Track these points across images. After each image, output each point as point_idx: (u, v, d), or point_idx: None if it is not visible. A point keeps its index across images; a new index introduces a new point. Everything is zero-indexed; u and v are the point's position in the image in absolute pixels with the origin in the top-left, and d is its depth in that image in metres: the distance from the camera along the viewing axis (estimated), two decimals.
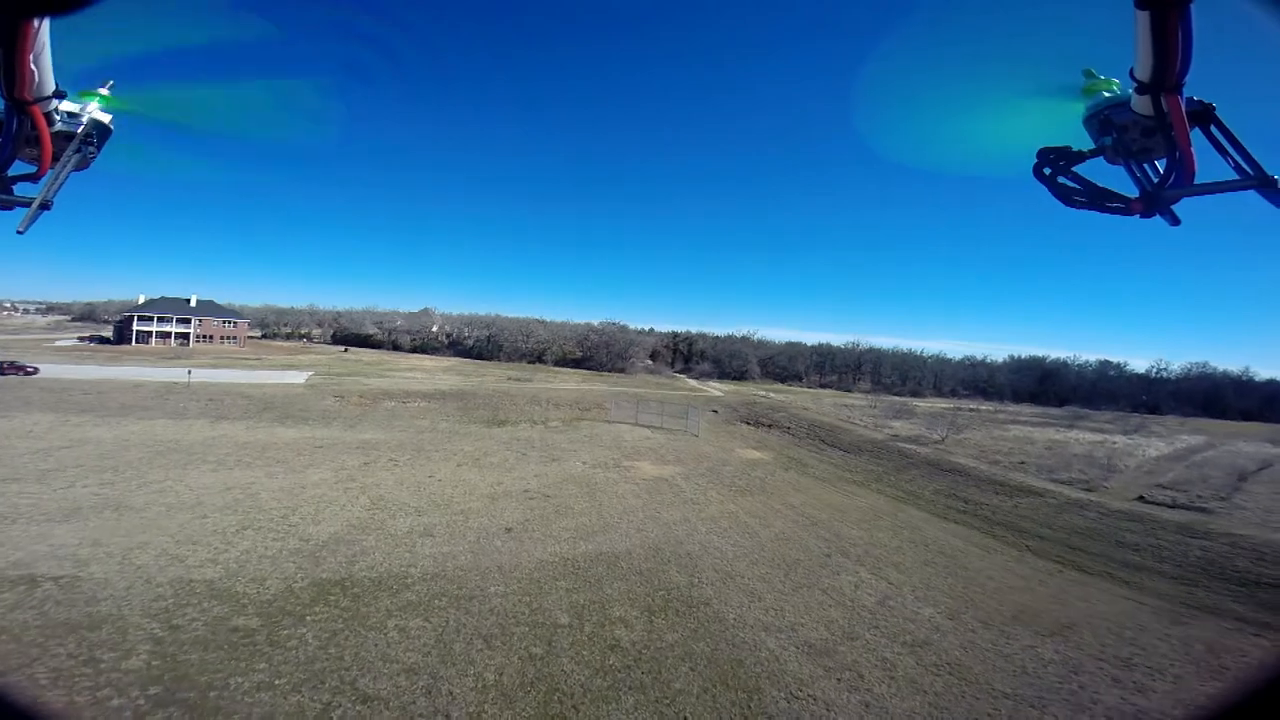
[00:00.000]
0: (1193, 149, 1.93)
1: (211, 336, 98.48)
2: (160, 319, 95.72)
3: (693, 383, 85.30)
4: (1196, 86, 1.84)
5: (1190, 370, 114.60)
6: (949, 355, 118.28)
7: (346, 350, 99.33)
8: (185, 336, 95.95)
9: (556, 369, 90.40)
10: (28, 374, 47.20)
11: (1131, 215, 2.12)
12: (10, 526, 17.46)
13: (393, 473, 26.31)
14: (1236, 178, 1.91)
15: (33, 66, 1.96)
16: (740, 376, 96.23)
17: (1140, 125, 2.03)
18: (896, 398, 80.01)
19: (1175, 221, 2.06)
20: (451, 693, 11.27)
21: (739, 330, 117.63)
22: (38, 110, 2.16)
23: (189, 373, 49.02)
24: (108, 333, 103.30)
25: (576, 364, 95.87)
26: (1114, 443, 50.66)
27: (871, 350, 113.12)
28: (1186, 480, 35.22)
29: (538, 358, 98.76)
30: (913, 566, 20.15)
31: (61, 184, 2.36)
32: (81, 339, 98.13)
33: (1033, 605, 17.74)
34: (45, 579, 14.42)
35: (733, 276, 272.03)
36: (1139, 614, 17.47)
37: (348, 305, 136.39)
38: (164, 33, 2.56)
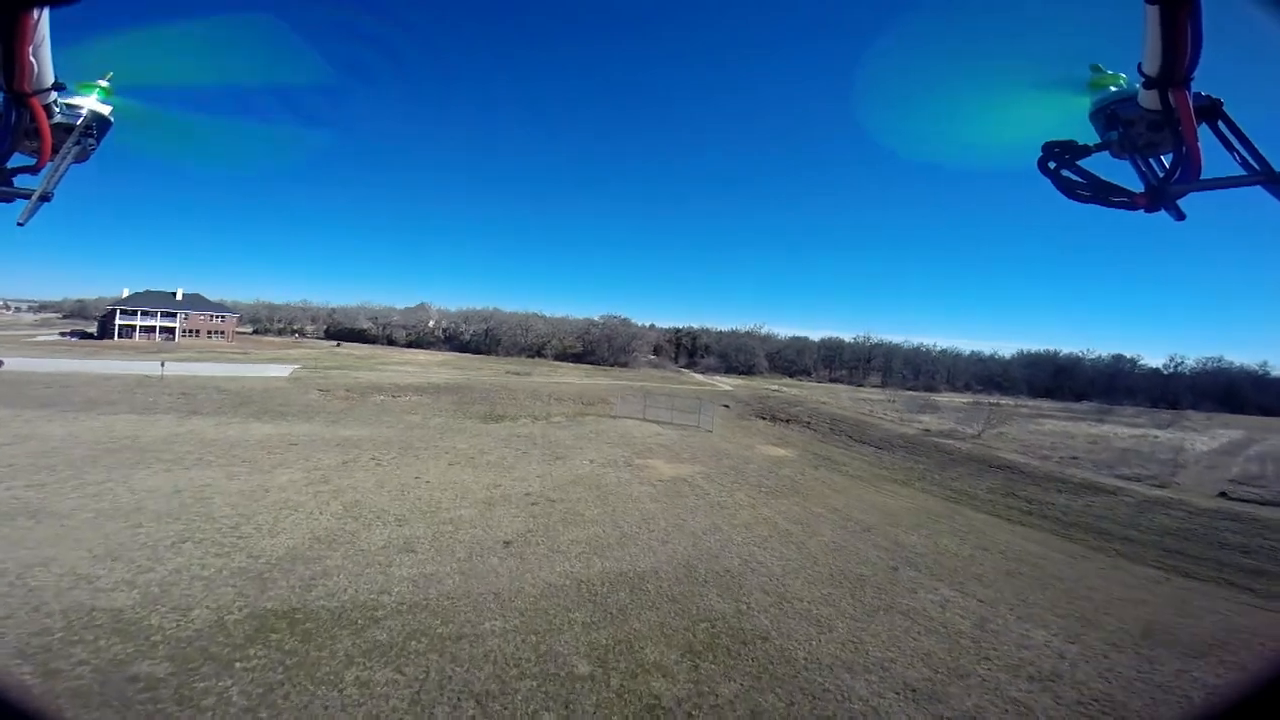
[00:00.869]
0: (1199, 144, 1.89)
1: (198, 331, 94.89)
2: (144, 313, 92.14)
3: (699, 377, 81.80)
4: (1203, 82, 1.81)
5: (1206, 365, 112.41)
6: (956, 351, 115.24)
7: (339, 345, 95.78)
8: (170, 331, 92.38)
9: (557, 363, 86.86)
10: None
11: (1136, 210, 2.05)
12: None
13: (374, 474, 22.80)
14: (1243, 173, 1.87)
15: (32, 59, 1.93)
16: (748, 371, 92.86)
17: (1147, 120, 2.00)
18: (912, 393, 76.74)
19: (1180, 216, 2.02)
20: None
21: (741, 326, 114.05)
22: (37, 103, 2.13)
23: (163, 365, 45.49)
24: (94, 328, 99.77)
25: (577, 358, 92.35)
26: (1155, 437, 47.49)
27: (882, 345, 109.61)
28: (1258, 476, 31.98)
29: (537, 352, 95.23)
30: (996, 578, 16.80)
31: (61, 176, 2.32)
32: (63, 334, 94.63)
33: (1158, 620, 14.48)
34: None
35: (735, 273, 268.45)
36: None
37: (343, 302, 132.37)
38: (166, 36, 2.54)
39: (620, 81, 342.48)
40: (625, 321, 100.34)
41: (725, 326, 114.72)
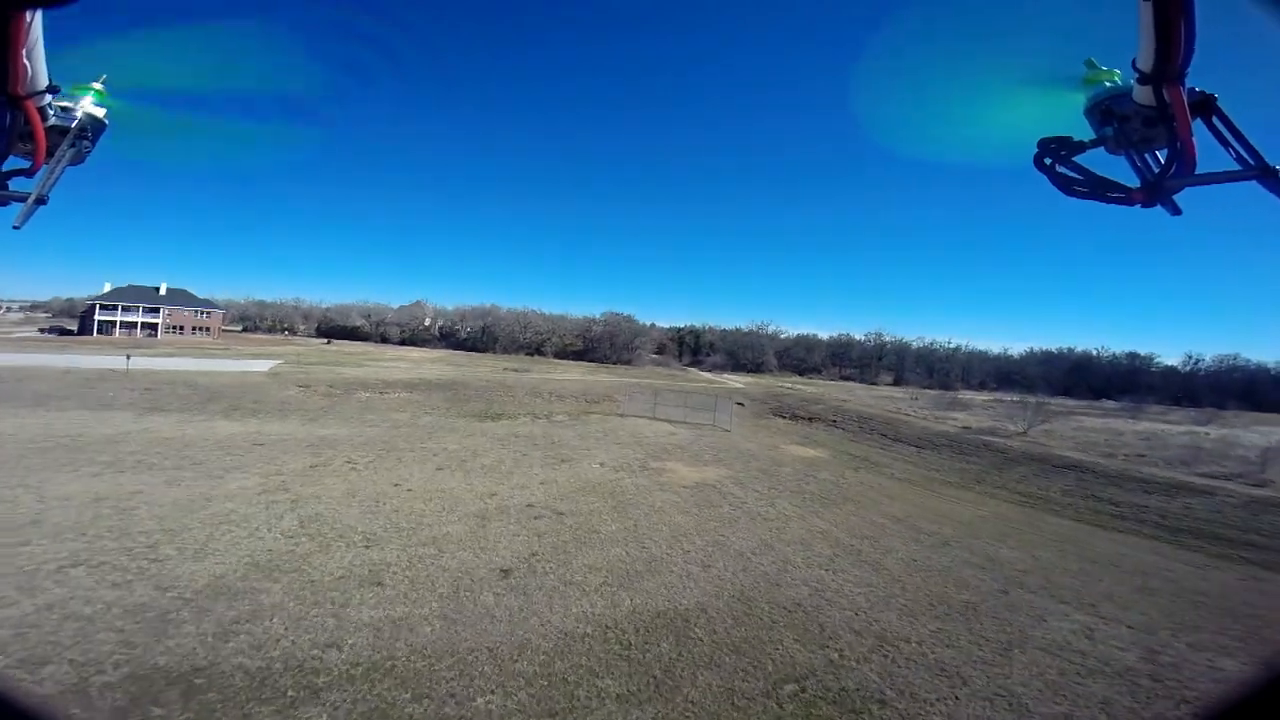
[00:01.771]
0: (1194, 139, 1.87)
1: (182, 327, 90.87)
2: (125, 308, 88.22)
3: (706, 375, 78.13)
4: (1197, 77, 1.79)
5: (1223, 363, 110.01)
6: (970, 349, 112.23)
7: (329, 342, 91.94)
8: (153, 327, 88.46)
9: (557, 360, 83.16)
10: None
11: (1133, 205, 2.05)
12: None
13: (346, 480, 19.02)
14: (1238, 168, 1.85)
15: (26, 62, 1.86)
16: (756, 368, 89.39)
17: (1142, 115, 1.98)
18: (931, 391, 73.29)
19: (1176, 211, 2.03)
20: None
21: (744, 324, 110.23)
22: (31, 106, 2.06)
23: (128, 358, 41.62)
24: (74, 325, 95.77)
25: (578, 356, 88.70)
26: (1205, 433, 44.04)
27: (894, 342, 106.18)
28: None
29: (536, 350, 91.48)
30: (1129, 597, 13.60)
31: (57, 179, 2.29)
32: (42, 330, 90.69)
33: None
34: None
35: (736, 271, 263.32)
36: None
37: (338, 300, 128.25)
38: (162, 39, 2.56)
39: (619, 78, 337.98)
40: (629, 318, 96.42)
41: (728, 325, 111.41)
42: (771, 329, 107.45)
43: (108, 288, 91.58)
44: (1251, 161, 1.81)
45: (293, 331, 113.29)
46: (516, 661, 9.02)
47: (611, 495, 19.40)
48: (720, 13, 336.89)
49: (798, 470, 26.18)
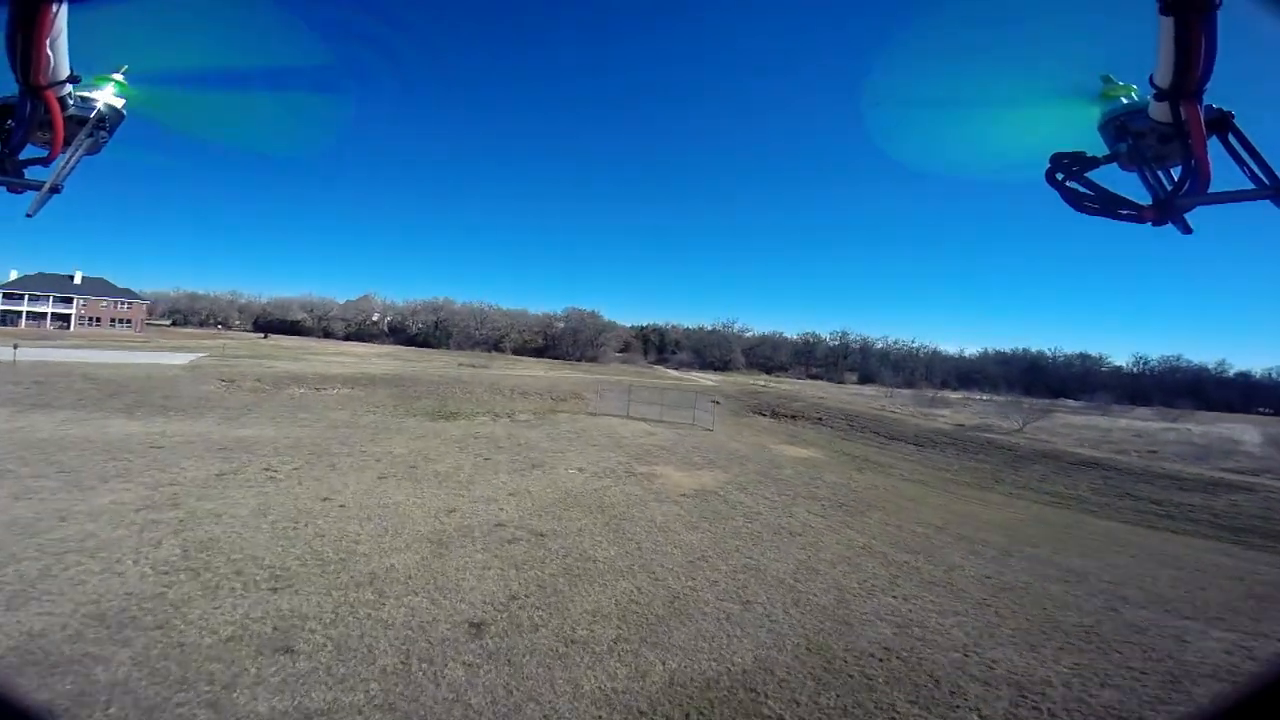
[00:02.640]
0: (1209, 157, 1.78)
1: (99, 319, 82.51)
2: (33, 298, 79.55)
3: (674, 373, 75.25)
4: (1213, 94, 1.71)
5: (1167, 364, 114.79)
6: (933, 349, 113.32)
7: (266, 336, 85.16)
8: (65, 319, 80.00)
9: (516, 357, 78.76)
10: None
11: (1144, 223, 1.92)
12: None
13: (260, 492, 14.89)
14: (1252, 187, 1.76)
15: (49, 51, 1.82)
16: (724, 366, 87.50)
17: (1157, 132, 1.88)
18: (901, 389, 72.42)
19: (1187, 230, 1.90)
20: None
21: (707, 323, 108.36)
22: (51, 95, 1.99)
23: (15, 348, 35.66)
24: None
25: (538, 353, 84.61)
26: (1188, 429, 43.74)
27: (860, 341, 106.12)
28: None
29: (494, 346, 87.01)
30: (1254, 608, 11.69)
31: (72, 168, 2.17)
32: None
33: None
34: None
35: (698, 270, 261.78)
36: None
37: (280, 294, 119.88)
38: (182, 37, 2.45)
39: (574, 78, 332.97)
40: (594, 314, 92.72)
41: (691, 324, 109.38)
42: (738, 327, 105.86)
43: (14, 275, 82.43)
44: (1266, 180, 1.72)
45: (227, 326, 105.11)
46: None
47: (600, 509, 15.86)
48: (682, 14, 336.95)
49: (799, 472, 23.23)
